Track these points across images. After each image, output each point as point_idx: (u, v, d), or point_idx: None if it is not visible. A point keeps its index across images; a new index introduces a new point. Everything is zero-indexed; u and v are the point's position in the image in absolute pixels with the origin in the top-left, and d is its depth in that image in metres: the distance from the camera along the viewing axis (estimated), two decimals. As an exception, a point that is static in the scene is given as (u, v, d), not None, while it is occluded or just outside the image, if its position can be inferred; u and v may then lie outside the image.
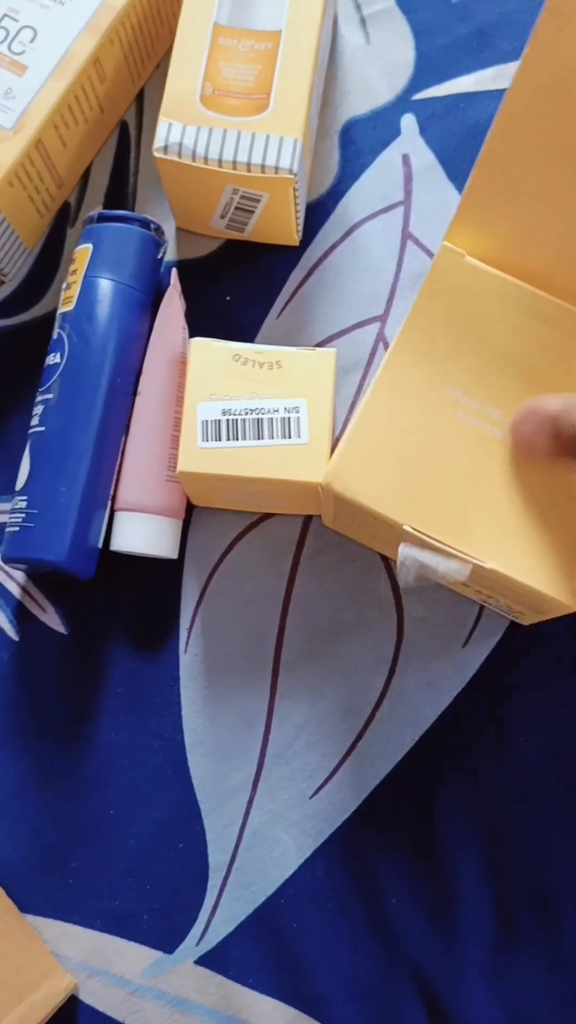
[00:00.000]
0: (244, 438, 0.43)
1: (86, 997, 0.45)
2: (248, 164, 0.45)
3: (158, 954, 0.46)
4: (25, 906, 0.46)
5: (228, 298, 0.51)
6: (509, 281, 0.41)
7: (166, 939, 0.46)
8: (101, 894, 0.46)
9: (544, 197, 0.40)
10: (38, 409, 0.46)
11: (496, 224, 0.41)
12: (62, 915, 0.46)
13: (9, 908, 0.45)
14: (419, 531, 0.40)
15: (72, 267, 0.48)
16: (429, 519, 0.40)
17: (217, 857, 0.46)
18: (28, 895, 0.46)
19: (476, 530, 0.40)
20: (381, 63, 0.54)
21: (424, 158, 0.52)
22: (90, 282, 0.47)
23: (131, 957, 0.45)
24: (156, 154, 0.46)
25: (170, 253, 0.52)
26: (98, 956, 0.45)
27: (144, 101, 0.54)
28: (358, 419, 0.41)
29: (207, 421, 0.44)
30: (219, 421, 0.44)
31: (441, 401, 0.41)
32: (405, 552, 0.40)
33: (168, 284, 0.48)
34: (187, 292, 0.51)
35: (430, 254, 0.51)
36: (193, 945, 0.45)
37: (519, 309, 0.41)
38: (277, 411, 0.44)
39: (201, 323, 0.50)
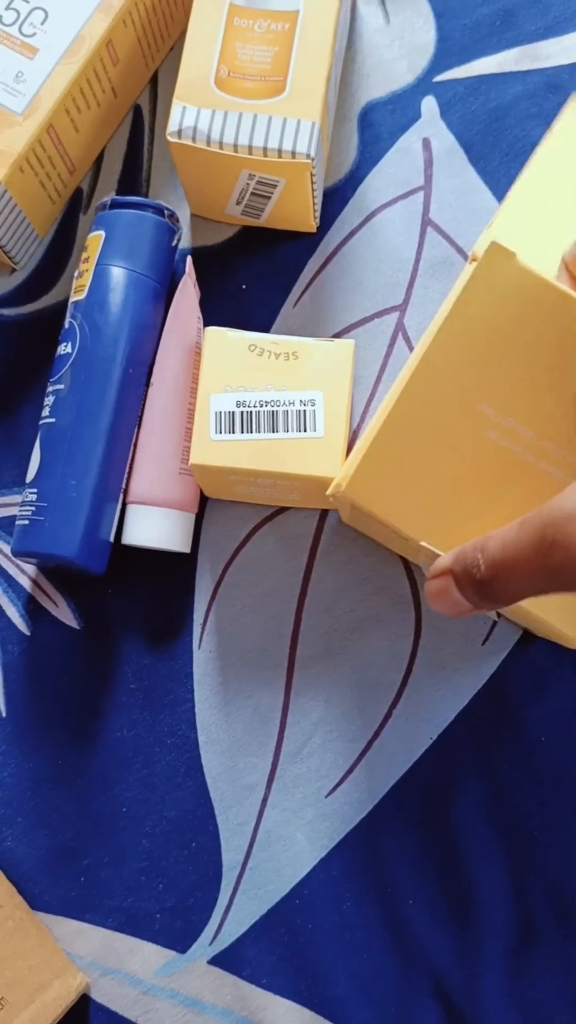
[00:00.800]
0: (258, 431, 0.43)
1: (98, 996, 0.45)
2: (264, 148, 0.44)
3: (171, 954, 0.45)
4: (37, 904, 0.46)
5: (244, 286, 0.50)
6: (562, 290, 0.37)
7: (179, 938, 0.45)
8: (114, 893, 0.46)
9: None
10: (49, 400, 0.46)
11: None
12: (75, 913, 0.46)
13: (20, 906, 0.45)
14: (436, 550, 0.38)
15: (84, 255, 0.47)
16: (447, 538, 0.38)
17: (231, 856, 0.46)
18: (41, 893, 0.46)
19: None
20: (401, 44, 0.52)
21: (445, 142, 0.51)
22: (102, 270, 0.46)
23: (144, 956, 0.45)
24: (170, 138, 0.45)
25: (184, 240, 0.51)
26: (111, 955, 0.45)
27: (158, 84, 0.53)
28: (383, 426, 0.38)
29: (221, 413, 0.43)
30: (233, 413, 0.43)
31: (471, 416, 0.37)
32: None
33: (183, 272, 0.48)
34: (202, 280, 0.50)
35: (451, 241, 0.50)
36: (206, 945, 0.45)
37: (570, 321, 0.37)
38: (293, 404, 0.43)
39: (216, 312, 0.50)
